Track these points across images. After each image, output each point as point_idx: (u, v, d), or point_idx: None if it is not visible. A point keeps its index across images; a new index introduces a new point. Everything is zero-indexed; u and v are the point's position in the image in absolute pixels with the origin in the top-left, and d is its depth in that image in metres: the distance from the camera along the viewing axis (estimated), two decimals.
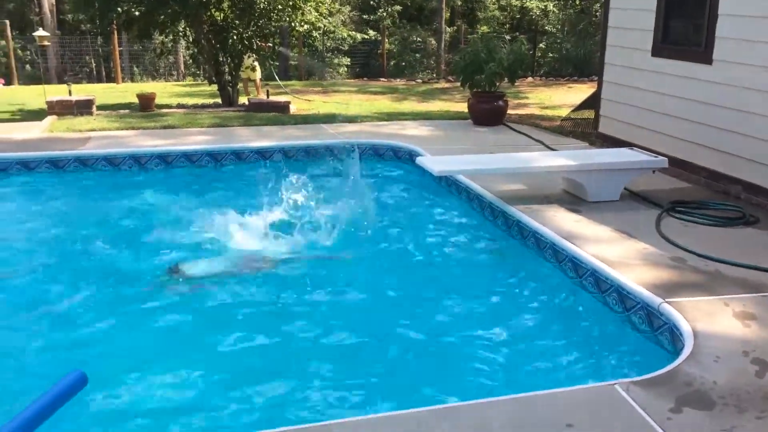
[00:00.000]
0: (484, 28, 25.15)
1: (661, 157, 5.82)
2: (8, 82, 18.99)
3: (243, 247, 5.15)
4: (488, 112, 9.69)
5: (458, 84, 16.12)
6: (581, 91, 15.39)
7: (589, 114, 9.22)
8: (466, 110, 10.31)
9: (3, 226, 5.84)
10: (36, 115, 11.69)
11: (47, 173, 7.25)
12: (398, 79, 21.24)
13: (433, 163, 5.91)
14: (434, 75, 22.60)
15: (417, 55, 25.23)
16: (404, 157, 7.85)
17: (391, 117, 10.83)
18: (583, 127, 9.11)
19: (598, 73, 7.96)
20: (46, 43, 13.37)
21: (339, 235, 5.33)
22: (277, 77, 16.57)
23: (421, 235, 5.66)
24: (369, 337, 3.91)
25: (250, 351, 3.73)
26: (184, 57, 23.61)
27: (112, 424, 3.08)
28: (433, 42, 24.71)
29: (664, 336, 3.59)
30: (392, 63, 24.07)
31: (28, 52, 23.00)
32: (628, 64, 7.19)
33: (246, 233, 5.37)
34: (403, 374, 3.54)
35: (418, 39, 25.47)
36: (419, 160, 6.06)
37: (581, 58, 20.47)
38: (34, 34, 13.11)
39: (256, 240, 5.29)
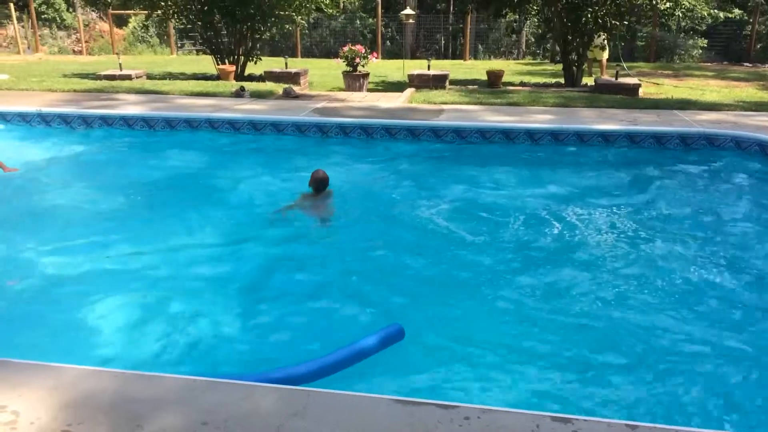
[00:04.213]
0: None
1: None
2: None
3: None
4: None
5: None
6: None
7: None
8: None
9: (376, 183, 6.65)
10: (396, 86, 13.02)
11: (404, 139, 8.03)
12: (766, 65, 18.55)
13: None
14: None
15: None
16: None
17: (759, 107, 9.54)
18: None
19: None
20: (410, 21, 14.72)
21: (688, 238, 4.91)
22: (621, 58, 15.77)
23: None
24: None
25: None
26: (526, 36, 23.91)
27: None
28: None
29: None
30: (758, 46, 21.09)
31: (389, 30, 25.57)
32: None
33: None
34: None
35: None
36: None
37: None
38: (401, 12, 14.53)
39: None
